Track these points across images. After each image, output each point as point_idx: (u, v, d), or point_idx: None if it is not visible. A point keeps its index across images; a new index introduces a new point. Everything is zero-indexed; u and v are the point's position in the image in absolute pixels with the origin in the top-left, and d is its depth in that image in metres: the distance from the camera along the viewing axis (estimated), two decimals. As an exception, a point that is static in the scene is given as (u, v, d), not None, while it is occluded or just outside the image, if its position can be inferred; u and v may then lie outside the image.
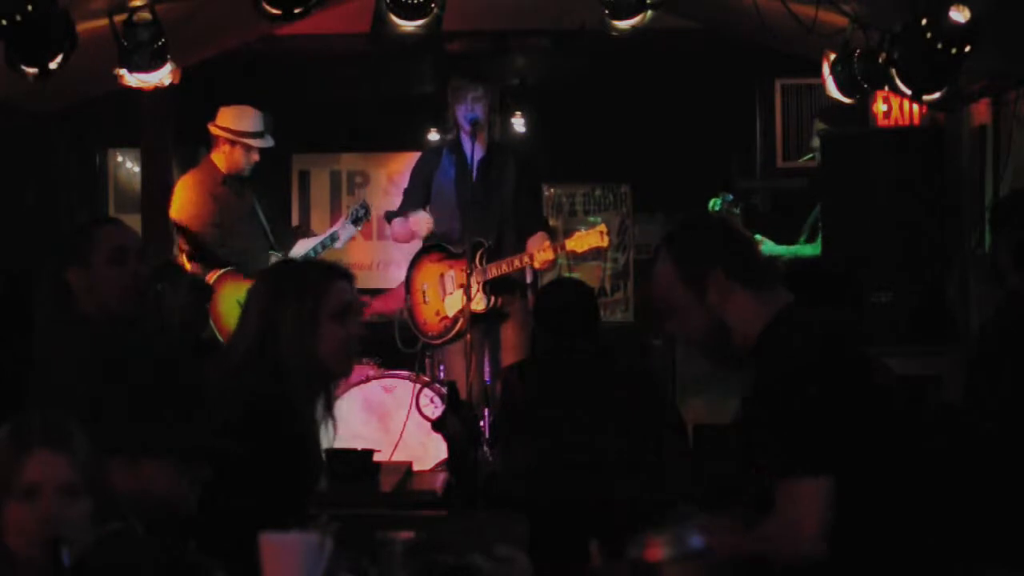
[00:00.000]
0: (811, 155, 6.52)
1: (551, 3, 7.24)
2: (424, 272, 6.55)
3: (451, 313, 6.44)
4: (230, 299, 6.39)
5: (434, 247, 6.50)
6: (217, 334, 6.33)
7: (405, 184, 6.91)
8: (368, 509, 4.30)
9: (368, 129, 8.48)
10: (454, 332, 6.39)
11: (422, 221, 6.50)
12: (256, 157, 6.63)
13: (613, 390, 4.69)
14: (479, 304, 6.28)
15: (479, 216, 6.34)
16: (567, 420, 4.63)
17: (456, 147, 6.48)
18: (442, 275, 6.50)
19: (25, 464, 2.46)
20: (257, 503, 3.01)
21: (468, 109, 6.32)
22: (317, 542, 2.39)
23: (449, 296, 6.45)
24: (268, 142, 6.65)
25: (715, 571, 2.21)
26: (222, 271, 6.42)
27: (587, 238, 6.22)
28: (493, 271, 6.28)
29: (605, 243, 6.26)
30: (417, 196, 6.62)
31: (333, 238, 6.84)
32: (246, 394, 3.12)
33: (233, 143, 6.55)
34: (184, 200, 6.51)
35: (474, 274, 6.22)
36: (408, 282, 6.65)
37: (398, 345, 6.60)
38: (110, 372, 3.30)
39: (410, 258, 6.72)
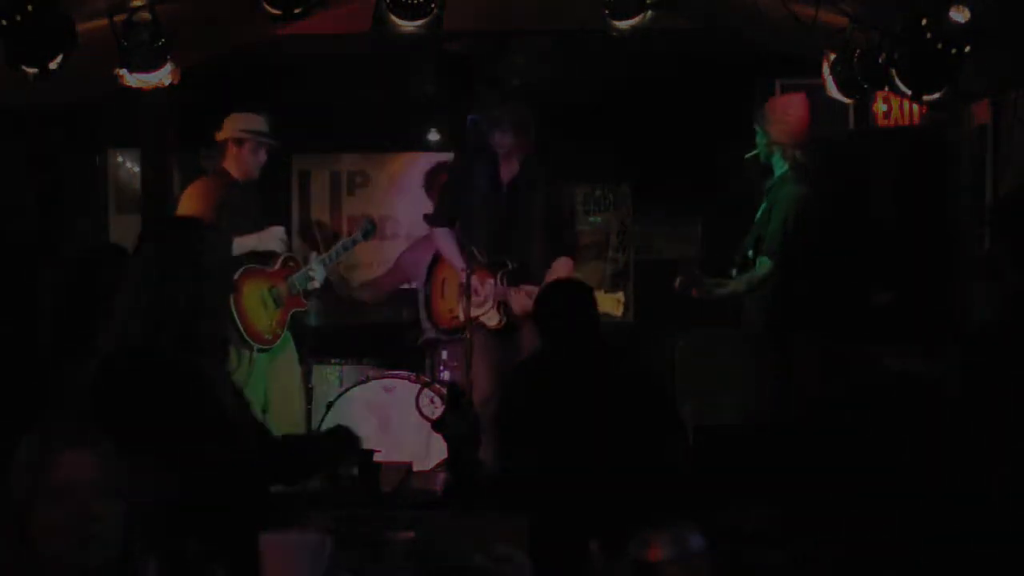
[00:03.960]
0: (754, 152, 6.38)
1: (551, 3, 7.24)
2: (449, 270, 6.54)
3: (462, 317, 6.43)
4: (253, 295, 6.39)
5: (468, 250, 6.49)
6: (241, 330, 6.32)
7: (406, 184, 6.94)
8: (368, 509, 4.30)
9: (368, 129, 8.48)
10: (459, 331, 6.42)
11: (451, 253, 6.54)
12: (263, 157, 6.66)
13: (613, 390, 4.69)
14: (492, 319, 6.29)
15: (507, 234, 6.34)
16: (567, 420, 4.64)
17: (490, 161, 6.43)
18: (452, 278, 6.50)
19: (56, 465, 2.47)
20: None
21: (497, 142, 6.33)
22: (317, 542, 2.39)
23: (462, 303, 6.45)
24: (274, 141, 6.69)
25: (715, 571, 2.21)
26: (244, 267, 6.40)
27: (604, 302, 6.20)
28: (511, 297, 6.25)
29: (619, 313, 6.27)
30: (453, 202, 6.53)
31: (346, 247, 6.93)
32: None
33: (240, 142, 6.56)
34: (187, 211, 6.51)
35: (495, 290, 6.24)
36: (432, 267, 6.66)
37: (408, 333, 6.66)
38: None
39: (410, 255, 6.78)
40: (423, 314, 6.70)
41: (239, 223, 6.46)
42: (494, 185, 6.37)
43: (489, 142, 6.33)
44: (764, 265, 6.06)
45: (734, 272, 6.23)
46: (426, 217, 6.69)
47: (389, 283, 7.82)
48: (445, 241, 6.53)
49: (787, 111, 6.26)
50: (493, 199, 6.36)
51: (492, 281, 6.28)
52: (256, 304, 6.43)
